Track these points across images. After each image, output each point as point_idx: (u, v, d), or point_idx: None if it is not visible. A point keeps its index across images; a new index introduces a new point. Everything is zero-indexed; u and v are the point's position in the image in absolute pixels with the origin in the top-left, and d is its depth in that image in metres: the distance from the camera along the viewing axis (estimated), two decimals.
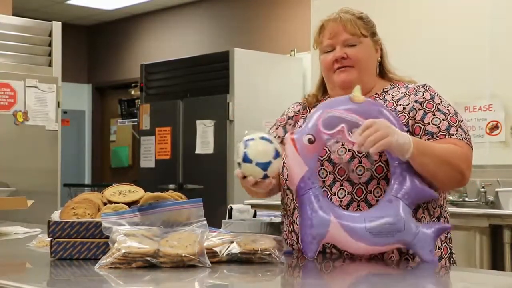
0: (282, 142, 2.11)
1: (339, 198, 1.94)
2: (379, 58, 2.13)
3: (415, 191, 1.84)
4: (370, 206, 1.91)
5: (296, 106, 2.21)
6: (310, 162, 1.85)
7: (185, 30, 7.81)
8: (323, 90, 2.18)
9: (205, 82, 5.75)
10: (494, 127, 4.51)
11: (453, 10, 4.76)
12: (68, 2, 7.84)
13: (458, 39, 4.68)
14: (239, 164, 1.81)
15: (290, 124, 2.17)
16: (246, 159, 1.79)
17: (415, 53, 4.73)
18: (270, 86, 5.71)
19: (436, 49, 4.75)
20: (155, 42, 8.21)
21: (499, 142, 4.49)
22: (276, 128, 2.19)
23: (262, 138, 1.80)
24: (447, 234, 2.03)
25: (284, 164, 2.05)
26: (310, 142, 1.85)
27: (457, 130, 1.97)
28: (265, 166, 1.79)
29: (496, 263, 3.87)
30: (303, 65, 6.03)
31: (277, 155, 1.80)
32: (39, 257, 1.93)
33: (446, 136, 1.95)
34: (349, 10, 2.11)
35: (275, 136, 2.13)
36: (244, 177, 1.85)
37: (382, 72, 2.15)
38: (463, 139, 1.97)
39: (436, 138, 1.95)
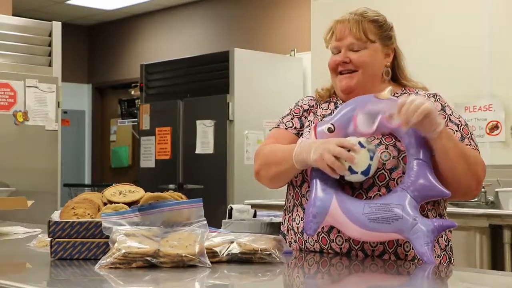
0: (298, 134, 2.13)
1: None
2: (388, 64, 2.09)
3: (424, 185, 1.84)
4: None
5: (311, 100, 2.19)
6: None
7: (185, 30, 7.81)
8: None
9: (205, 82, 5.75)
10: (494, 127, 4.51)
11: (452, 10, 4.76)
12: (68, 2, 7.84)
13: (457, 39, 4.68)
14: (360, 143, 1.83)
15: (305, 117, 2.15)
16: (371, 155, 1.83)
17: (414, 53, 4.72)
18: (270, 86, 5.71)
19: (436, 49, 4.75)
20: (155, 42, 8.21)
21: (499, 142, 4.49)
22: (292, 118, 2.15)
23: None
24: (447, 243, 2.01)
25: None
26: (330, 131, 1.90)
27: (470, 142, 1.97)
28: (366, 172, 1.84)
29: (496, 263, 3.87)
30: (303, 65, 6.03)
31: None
32: (39, 257, 1.93)
33: None
34: (364, 11, 2.07)
35: (291, 126, 2.14)
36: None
37: (395, 77, 2.13)
38: (476, 150, 1.97)
39: None
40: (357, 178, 1.85)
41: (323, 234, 1.95)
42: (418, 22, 4.87)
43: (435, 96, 2.05)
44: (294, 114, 2.16)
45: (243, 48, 5.89)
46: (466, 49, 4.63)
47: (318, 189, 1.87)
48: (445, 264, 1.98)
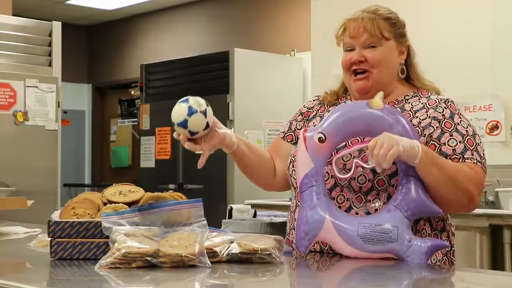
0: (284, 138, 2.18)
1: (338, 203, 1.93)
2: (403, 61, 2.07)
3: (417, 204, 1.82)
4: (368, 214, 1.90)
5: (313, 100, 2.20)
6: (317, 161, 1.86)
7: (185, 30, 7.81)
8: (345, 87, 2.15)
9: (205, 82, 5.75)
10: (494, 127, 4.51)
11: (453, 9, 4.76)
12: (68, 2, 7.84)
13: (458, 39, 4.68)
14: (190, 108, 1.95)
15: (297, 121, 2.18)
16: (173, 124, 1.95)
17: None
18: (270, 86, 5.71)
19: (436, 49, 4.75)
20: (155, 42, 8.21)
21: (499, 142, 4.49)
22: (286, 124, 2.22)
23: (179, 102, 1.96)
24: (450, 248, 1.99)
25: (290, 161, 2.06)
26: (321, 140, 1.86)
27: (472, 154, 1.92)
28: (184, 123, 1.92)
29: (496, 263, 3.88)
30: (303, 65, 6.03)
31: (191, 112, 1.92)
32: (39, 257, 1.92)
33: (460, 160, 1.91)
34: (377, 9, 2.05)
35: (282, 131, 2.21)
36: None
37: (407, 76, 2.10)
38: (478, 163, 1.92)
39: (450, 160, 1.91)
40: (181, 127, 1.94)
41: None
42: (419, 21, 4.87)
43: (446, 102, 2.00)
44: (291, 120, 2.22)
45: (243, 48, 5.89)
46: (467, 49, 4.63)
47: (310, 204, 1.84)
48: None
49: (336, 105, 2.10)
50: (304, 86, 5.96)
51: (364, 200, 1.90)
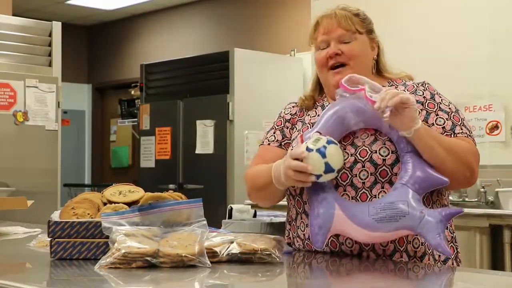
0: (281, 146, 2.12)
1: None
2: (375, 56, 2.10)
3: (423, 177, 1.83)
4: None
5: (293, 107, 2.18)
6: None
7: (185, 30, 7.82)
8: (319, 90, 2.15)
9: (205, 82, 5.75)
10: (494, 127, 4.51)
11: (452, 9, 4.75)
12: (68, 2, 7.84)
13: (458, 39, 4.68)
14: (307, 148, 1.78)
15: (287, 128, 2.14)
16: (322, 154, 1.78)
17: (414, 53, 4.73)
18: (270, 86, 5.71)
19: (436, 49, 4.75)
20: (155, 42, 8.21)
21: (499, 142, 4.48)
22: (274, 132, 2.15)
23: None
24: (453, 234, 2.01)
25: None
26: None
27: (461, 129, 1.96)
28: (329, 169, 1.79)
29: (496, 263, 3.88)
30: (303, 65, 6.03)
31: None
32: (39, 257, 1.93)
33: (452, 136, 1.94)
34: (345, 7, 2.09)
35: (274, 140, 2.14)
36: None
37: (379, 70, 2.12)
38: (469, 137, 1.96)
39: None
40: (327, 177, 1.81)
41: (332, 238, 1.93)
42: (418, 21, 4.87)
43: (424, 85, 2.03)
44: (276, 127, 2.17)
45: (243, 48, 5.89)
46: (467, 48, 4.63)
47: (318, 199, 1.85)
48: (453, 257, 1.97)
49: (315, 108, 2.12)
50: (304, 86, 5.96)
51: (369, 196, 1.89)
